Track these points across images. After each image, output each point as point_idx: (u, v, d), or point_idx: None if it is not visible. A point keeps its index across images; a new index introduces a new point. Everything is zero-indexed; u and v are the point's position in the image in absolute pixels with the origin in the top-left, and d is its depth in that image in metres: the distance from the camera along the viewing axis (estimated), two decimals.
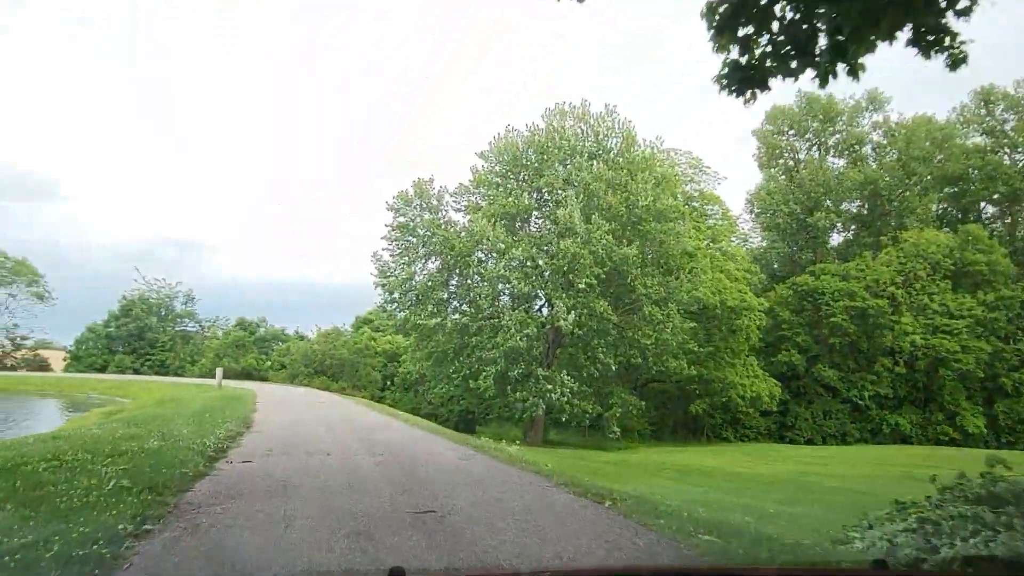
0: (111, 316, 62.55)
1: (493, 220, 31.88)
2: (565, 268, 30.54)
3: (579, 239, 30.13)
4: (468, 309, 33.62)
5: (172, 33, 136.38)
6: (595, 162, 33.07)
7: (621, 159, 34.01)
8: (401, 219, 35.22)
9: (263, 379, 54.01)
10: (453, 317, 35.89)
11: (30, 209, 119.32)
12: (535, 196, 34.46)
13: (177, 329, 66.64)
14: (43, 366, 64.40)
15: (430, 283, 33.74)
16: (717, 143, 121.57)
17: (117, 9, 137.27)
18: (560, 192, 32.73)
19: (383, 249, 36.18)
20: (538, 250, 31.81)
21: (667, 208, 32.87)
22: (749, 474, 22.00)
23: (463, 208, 37.33)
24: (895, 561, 4.40)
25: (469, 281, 34.08)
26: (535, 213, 35.64)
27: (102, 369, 59.51)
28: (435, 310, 34.38)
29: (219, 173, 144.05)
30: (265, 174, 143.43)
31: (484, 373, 31.39)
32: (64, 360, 63.42)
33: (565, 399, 30.93)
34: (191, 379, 46.91)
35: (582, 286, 30.18)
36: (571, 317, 29.44)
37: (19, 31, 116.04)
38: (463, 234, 33.58)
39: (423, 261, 35.36)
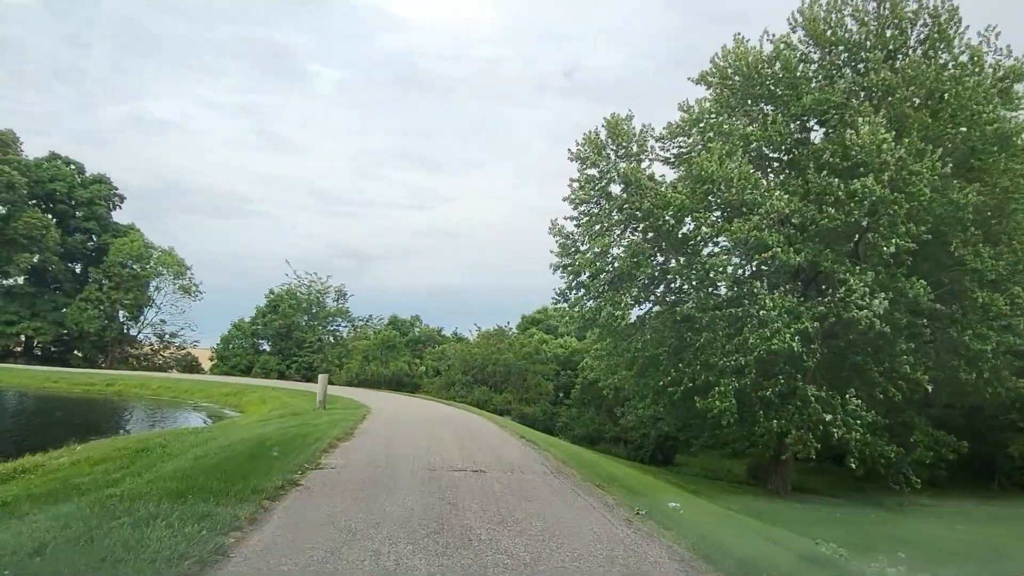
0: (258, 313, 57.87)
1: (729, 157, 21.38)
2: (864, 224, 19.54)
3: (886, 176, 18.99)
4: (693, 293, 23.33)
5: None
6: (895, 60, 21.74)
7: (930, 61, 22.27)
8: (591, 171, 25.51)
9: (415, 387, 46.49)
10: (653, 308, 26.01)
11: (224, 225, 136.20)
12: (787, 127, 23.54)
13: (329, 328, 60.99)
14: (193, 366, 61.07)
15: (634, 258, 23.66)
16: None
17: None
18: (835, 114, 21.77)
19: (565, 217, 26.69)
20: (806, 200, 20.93)
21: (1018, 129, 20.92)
22: None
23: (673, 158, 27.21)
24: None
25: (687, 250, 23.75)
26: (781, 158, 24.90)
27: (247, 371, 54.78)
28: (640, 296, 24.49)
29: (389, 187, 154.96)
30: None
31: (719, 387, 20.87)
32: (210, 360, 59.52)
33: (857, 435, 19.79)
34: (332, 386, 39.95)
35: (889, 253, 19.05)
36: (878, 304, 18.37)
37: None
38: (680, 185, 23.38)
39: (620, 229, 25.40)
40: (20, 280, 55.29)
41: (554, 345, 48.87)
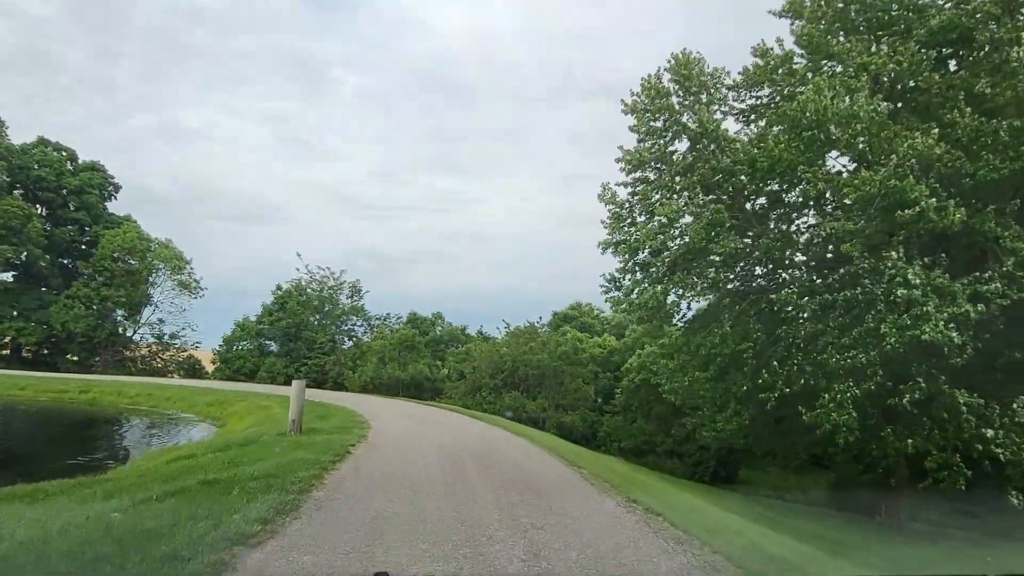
0: (264, 311, 53.63)
1: (847, 89, 16.58)
2: None
3: None
4: (794, 272, 18.57)
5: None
6: None
7: None
8: (653, 124, 20.85)
9: (436, 392, 41.98)
10: (726, 299, 21.26)
11: (256, 230, 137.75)
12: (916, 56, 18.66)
13: (343, 329, 56.58)
14: (195, 369, 57.04)
15: (712, 229, 18.91)
16: None
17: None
18: (983, 33, 16.89)
19: (616, 183, 22.09)
20: (948, 147, 16.05)
21: None
22: None
23: (749, 110, 22.59)
24: None
25: (782, 218, 19.01)
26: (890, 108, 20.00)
27: (251, 375, 50.54)
28: (717, 277, 19.83)
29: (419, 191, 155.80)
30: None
31: (835, 394, 16.05)
32: (212, 363, 55.35)
33: None
34: (337, 394, 35.68)
35: None
36: None
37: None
38: (777, 133, 18.67)
39: (687, 195, 20.64)
40: (7, 276, 51.61)
41: (591, 344, 44.24)
